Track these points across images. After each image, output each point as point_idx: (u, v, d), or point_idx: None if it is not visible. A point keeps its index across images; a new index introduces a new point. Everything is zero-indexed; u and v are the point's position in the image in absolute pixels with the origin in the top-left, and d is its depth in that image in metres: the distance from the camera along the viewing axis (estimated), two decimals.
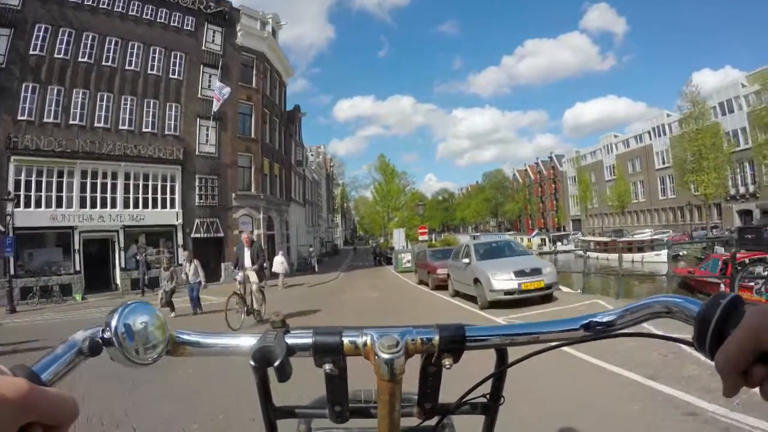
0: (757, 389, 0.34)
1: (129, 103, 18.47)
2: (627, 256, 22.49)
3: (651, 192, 44.66)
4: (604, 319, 0.53)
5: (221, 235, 20.16)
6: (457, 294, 10.59)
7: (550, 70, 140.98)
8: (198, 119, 20.12)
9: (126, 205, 18.13)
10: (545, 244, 38.94)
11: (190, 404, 3.78)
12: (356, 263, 32.15)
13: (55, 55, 16.95)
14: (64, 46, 17.11)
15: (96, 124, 17.60)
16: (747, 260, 10.25)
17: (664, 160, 41.44)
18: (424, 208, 37.19)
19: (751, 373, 0.34)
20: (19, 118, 16.03)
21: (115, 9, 18.44)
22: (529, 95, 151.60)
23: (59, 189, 16.73)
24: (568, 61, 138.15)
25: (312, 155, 42.66)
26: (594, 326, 0.53)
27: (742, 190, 33.55)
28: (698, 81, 31.89)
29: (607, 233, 39.95)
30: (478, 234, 52.76)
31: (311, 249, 28.57)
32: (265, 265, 8.65)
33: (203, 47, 20.74)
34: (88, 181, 17.30)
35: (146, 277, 17.02)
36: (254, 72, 22.63)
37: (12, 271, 14.23)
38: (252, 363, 0.49)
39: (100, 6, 18.05)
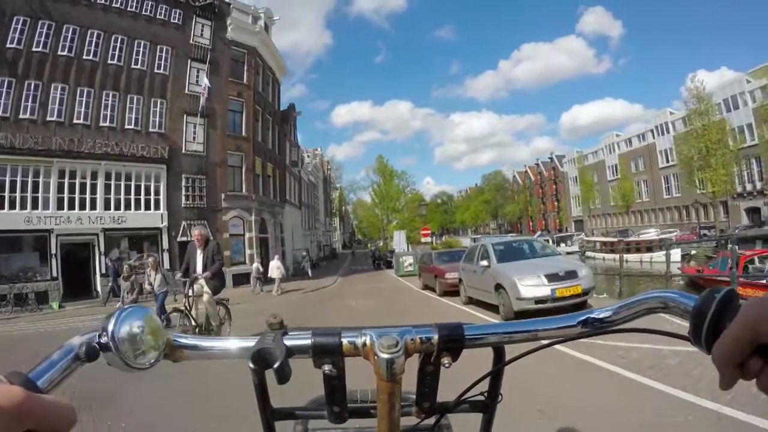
0: (753, 381, 0.35)
1: (111, 98, 17.55)
2: (635, 256, 21.88)
3: (655, 191, 43.89)
4: (601, 316, 0.53)
5: (210, 238, 19.06)
6: (470, 301, 9.42)
7: (547, 73, 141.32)
8: (185, 116, 19.21)
9: (107, 207, 17.15)
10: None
11: (187, 407, 3.70)
12: (355, 267, 31.28)
13: (33, 49, 16.10)
14: (42, 39, 16.28)
15: (75, 121, 16.66)
16: (756, 257, 10.23)
17: (668, 158, 40.74)
18: (426, 208, 35.65)
19: (748, 365, 0.34)
20: None
21: (98, 1, 17.56)
22: (526, 99, 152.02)
23: (35, 189, 15.76)
24: (564, 64, 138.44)
25: (309, 157, 41.68)
26: (591, 323, 0.53)
27: (749, 187, 32.88)
28: (698, 80, 31.00)
29: (612, 233, 39.14)
30: (478, 236, 51.85)
31: (304, 254, 26.98)
32: (223, 269, 6.88)
33: (191, 41, 19.88)
34: (66, 181, 16.35)
35: (117, 285, 15.80)
36: (245, 67, 21.76)
37: None
38: (251, 365, 0.49)
39: None
